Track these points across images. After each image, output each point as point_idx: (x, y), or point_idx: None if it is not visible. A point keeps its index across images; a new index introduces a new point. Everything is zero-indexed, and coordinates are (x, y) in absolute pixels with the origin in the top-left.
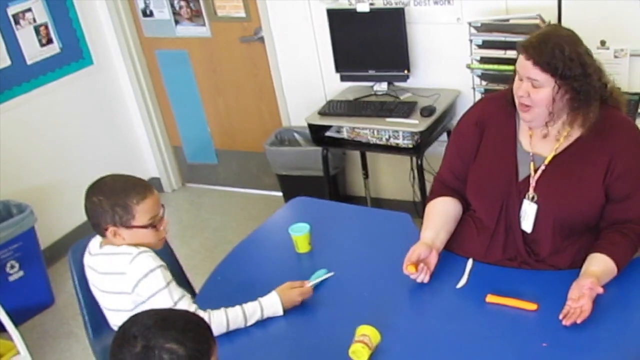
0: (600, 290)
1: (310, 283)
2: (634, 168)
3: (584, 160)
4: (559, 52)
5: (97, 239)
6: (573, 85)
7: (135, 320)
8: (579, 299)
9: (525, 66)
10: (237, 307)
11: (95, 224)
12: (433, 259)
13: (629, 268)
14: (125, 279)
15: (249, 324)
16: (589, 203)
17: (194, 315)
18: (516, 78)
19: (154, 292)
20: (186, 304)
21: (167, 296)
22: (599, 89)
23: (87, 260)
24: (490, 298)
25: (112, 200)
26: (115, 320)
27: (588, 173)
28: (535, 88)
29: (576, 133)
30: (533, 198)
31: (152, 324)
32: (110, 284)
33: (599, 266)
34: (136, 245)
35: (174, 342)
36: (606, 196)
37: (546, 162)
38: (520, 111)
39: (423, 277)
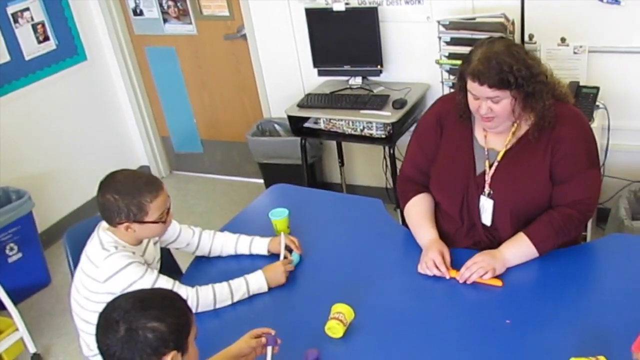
0: (484, 268)
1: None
2: (574, 152)
3: (533, 151)
4: (506, 66)
5: None
6: (526, 90)
7: (114, 306)
8: (472, 265)
9: (482, 91)
10: (224, 282)
11: (107, 217)
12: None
13: (587, 248)
14: (98, 271)
15: (235, 298)
16: (541, 192)
17: (168, 291)
18: (469, 97)
19: (127, 285)
20: (163, 282)
21: (140, 286)
22: (549, 85)
23: (97, 229)
24: (455, 274)
25: (128, 199)
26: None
27: (537, 161)
28: (496, 103)
29: (525, 126)
30: (489, 194)
31: (131, 307)
32: (86, 266)
33: (513, 246)
34: (140, 239)
35: (155, 321)
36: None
37: (499, 157)
38: (484, 122)
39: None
